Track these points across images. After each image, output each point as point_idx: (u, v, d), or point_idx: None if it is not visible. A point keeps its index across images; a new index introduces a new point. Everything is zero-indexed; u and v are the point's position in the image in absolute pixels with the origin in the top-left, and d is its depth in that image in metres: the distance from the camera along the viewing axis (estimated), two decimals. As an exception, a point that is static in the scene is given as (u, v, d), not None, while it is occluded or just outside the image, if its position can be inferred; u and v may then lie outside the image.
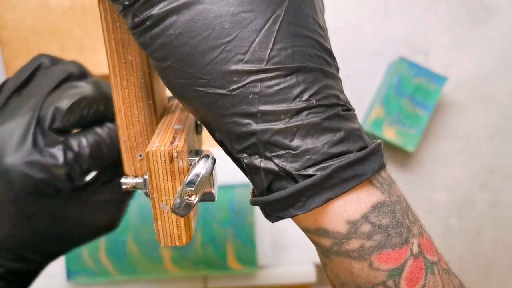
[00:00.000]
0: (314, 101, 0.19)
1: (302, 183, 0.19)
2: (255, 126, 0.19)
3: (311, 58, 0.19)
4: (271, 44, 0.19)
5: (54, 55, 0.31)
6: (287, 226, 0.48)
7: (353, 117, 0.21)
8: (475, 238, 0.53)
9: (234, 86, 0.19)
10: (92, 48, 0.51)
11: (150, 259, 0.45)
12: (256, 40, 0.19)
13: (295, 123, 0.19)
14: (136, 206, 0.45)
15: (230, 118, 0.19)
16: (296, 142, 0.19)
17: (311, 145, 0.19)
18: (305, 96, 0.19)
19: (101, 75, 0.50)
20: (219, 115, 0.20)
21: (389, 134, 0.50)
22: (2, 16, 0.49)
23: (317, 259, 0.47)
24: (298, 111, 0.19)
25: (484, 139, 0.54)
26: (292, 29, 0.19)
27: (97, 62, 0.50)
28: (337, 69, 0.22)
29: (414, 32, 0.55)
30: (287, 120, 0.19)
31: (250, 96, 0.19)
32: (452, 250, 0.53)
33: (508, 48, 0.55)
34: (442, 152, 0.54)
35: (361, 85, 0.54)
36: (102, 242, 0.45)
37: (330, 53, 0.21)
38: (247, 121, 0.19)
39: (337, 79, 0.21)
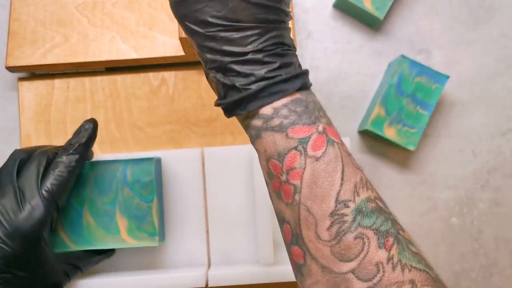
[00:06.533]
0: (260, 46, 0.29)
1: (244, 93, 0.29)
2: (219, 57, 0.29)
3: (268, 13, 0.29)
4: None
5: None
6: (288, 225, 0.48)
7: (290, 55, 0.30)
8: (477, 237, 0.53)
9: (210, 29, 0.29)
10: (94, 37, 0.52)
11: (107, 230, 0.45)
12: (230, 5, 0.28)
13: (246, 57, 0.29)
14: (92, 176, 0.45)
15: (204, 48, 0.30)
16: (245, 68, 0.29)
17: (254, 71, 0.29)
18: (255, 44, 0.29)
19: (100, 61, 0.51)
20: (198, 45, 0.30)
21: (390, 133, 0.50)
22: (17, 10, 0.52)
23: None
24: (249, 52, 0.29)
25: (486, 137, 0.54)
26: None
27: (98, 49, 0.52)
28: (289, 18, 0.31)
29: (415, 31, 0.55)
30: (241, 56, 0.29)
31: (218, 38, 0.29)
32: (453, 249, 0.53)
33: (509, 46, 0.55)
34: (443, 151, 0.54)
35: (361, 84, 0.54)
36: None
37: (284, 11, 0.30)
38: (215, 54, 0.29)
39: (286, 29, 0.30)
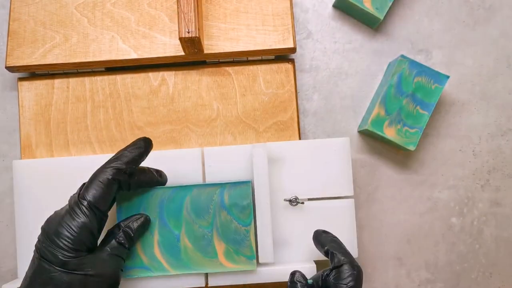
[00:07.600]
0: None
1: None
2: None
3: None
4: None
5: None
6: (288, 224, 0.48)
7: None
8: (477, 237, 0.53)
9: None
10: (94, 37, 0.52)
11: (204, 254, 0.45)
12: None
13: None
14: (189, 201, 0.45)
15: None
16: None
17: None
18: None
19: (100, 61, 0.51)
20: None
21: (390, 133, 0.50)
22: (16, 10, 0.53)
23: (317, 256, 0.47)
24: None
25: (486, 137, 0.54)
26: None
27: (97, 49, 0.52)
28: None
29: (415, 31, 0.55)
30: None
31: None
32: (453, 249, 0.53)
33: (509, 46, 0.55)
34: (443, 151, 0.54)
35: (361, 84, 0.54)
36: (155, 237, 0.45)
37: None
38: None
39: None
